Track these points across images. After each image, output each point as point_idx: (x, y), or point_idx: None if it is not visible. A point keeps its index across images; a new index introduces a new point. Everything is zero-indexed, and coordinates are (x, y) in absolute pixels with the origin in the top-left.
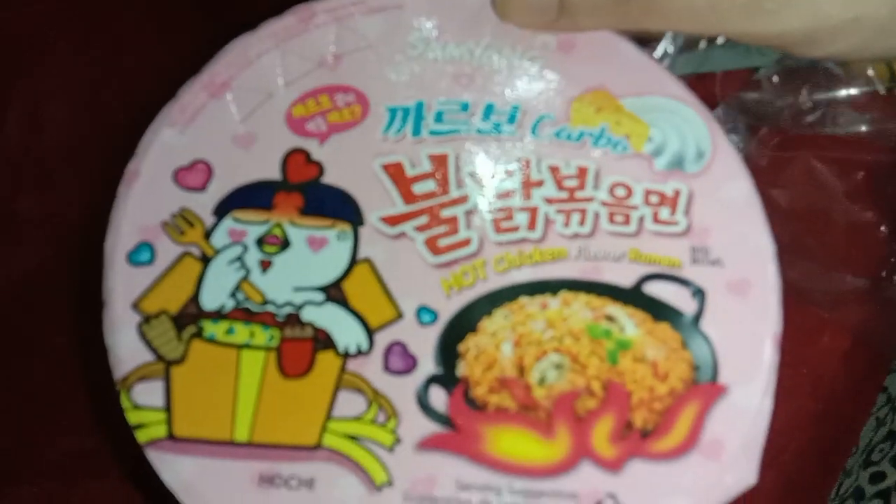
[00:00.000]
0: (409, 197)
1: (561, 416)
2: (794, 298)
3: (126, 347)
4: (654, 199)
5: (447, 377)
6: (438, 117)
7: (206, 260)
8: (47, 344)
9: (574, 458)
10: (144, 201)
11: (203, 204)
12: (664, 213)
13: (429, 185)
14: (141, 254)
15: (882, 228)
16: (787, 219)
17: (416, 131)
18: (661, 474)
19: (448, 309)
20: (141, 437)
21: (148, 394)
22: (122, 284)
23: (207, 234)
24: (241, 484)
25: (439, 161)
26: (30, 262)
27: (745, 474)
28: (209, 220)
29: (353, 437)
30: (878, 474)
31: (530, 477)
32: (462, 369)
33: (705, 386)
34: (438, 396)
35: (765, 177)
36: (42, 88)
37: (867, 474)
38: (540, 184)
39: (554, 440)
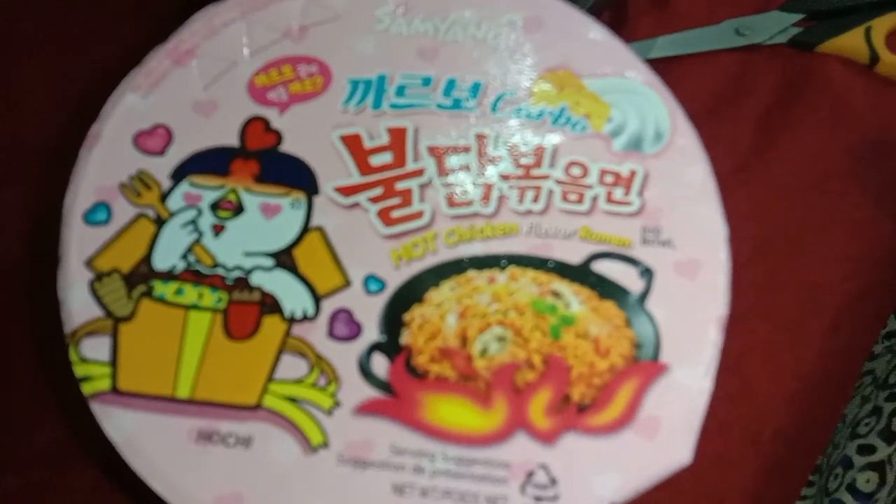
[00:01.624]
0: (365, 168)
1: (499, 388)
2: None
3: (77, 303)
4: (609, 178)
5: (390, 345)
6: (400, 91)
7: (160, 222)
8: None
9: (509, 429)
10: (104, 163)
11: (161, 167)
12: (618, 192)
13: (385, 158)
14: (97, 213)
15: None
16: None
17: (377, 104)
18: (595, 449)
19: (396, 279)
20: (86, 389)
21: (95, 348)
22: (78, 242)
23: (163, 197)
24: (180, 439)
25: (398, 134)
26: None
27: (681, 453)
28: (166, 183)
29: (292, 399)
30: (866, 447)
31: (465, 445)
32: (406, 338)
33: (646, 364)
34: (380, 363)
35: None
36: (22, 81)
37: (854, 445)
38: (496, 160)
39: (491, 410)
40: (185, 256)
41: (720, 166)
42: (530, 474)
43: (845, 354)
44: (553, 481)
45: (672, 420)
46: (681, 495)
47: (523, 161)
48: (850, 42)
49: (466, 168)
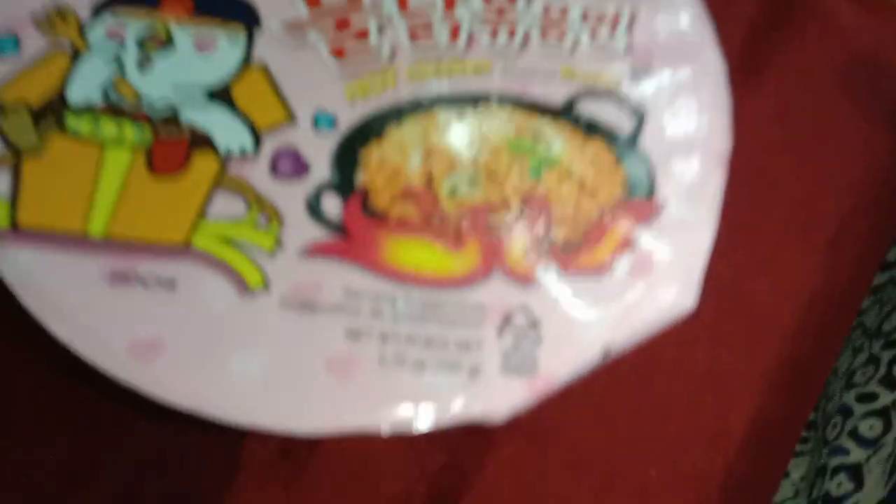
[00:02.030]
0: (313, 1)
1: (471, 229)
2: None
3: None
4: (593, 17)
5: (343, 185)
6: None
7: (77, 56)
8: None
9: (483, 271)
10: None
11: None
12: (604, 31)
13: None
14: (5, 45)
15: None
16: None
17: None
18: (583, 289)
19: (350, 117)
20: None
21: None
22: None
23: (82, 30)
24: (90, 281)
25: None
26: None
27: (682, 298)
28: (86, 14)
29: (227, 240)
30: (866, 395)
31: (431, 287)
32: (362, 178)
33: (639, 202)
34: (332, 204)
35: None
36: None
37: (852, 394)
38: None
39: (461, 252)
40: (104, 91)
41: None
42: (508, 317)
43: (842, 274)
44: (535, 323)
45: (671, 261)
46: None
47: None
48: None
49: (432, 3)
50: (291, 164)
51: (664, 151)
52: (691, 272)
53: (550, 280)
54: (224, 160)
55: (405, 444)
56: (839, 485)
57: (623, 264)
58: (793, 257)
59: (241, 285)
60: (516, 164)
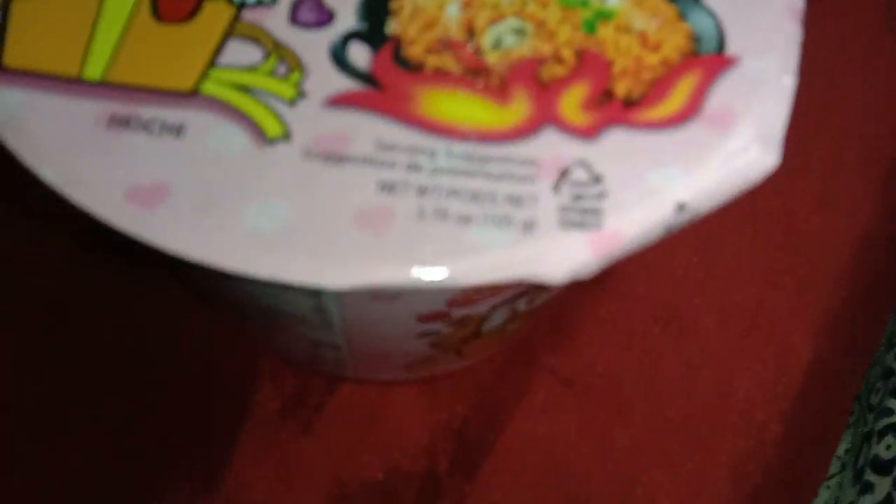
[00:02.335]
0: None
1: (519, 82)
2: None
3: None
4: None
5: (372, 34)
6: None
7: None
8: None
9: (533, 124)
10: None
11: None
12: None
13: None
14: None
15: None
16: None
17: None
18: (650, 143)
19: None
20: None
21: None
22: None
23: None
24: (85, 123)
25: None
26: None
27: (763, 154)
28: None
29: (241, 87)
30: None
31: (475, 141)
32: (393, 27)
33: (709, 57)
34: (360, 53)
35: None
36: None
37: (892, 355)
38: None
39: (508, 105)
40: None
41: None
42: (565, 172)
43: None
44: (597, 178)
45: (750, 116)
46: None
47: None
48: None
49: None
50: (314, 12)
51: (733, 4)
52: (772, 128)
53: (613, 135)
54: (238, 6)
55: (430, 390)
56: (888, 447)
57: (697, 118)
58: (849, 194)
59: (259, 134)
60: (568, 18)
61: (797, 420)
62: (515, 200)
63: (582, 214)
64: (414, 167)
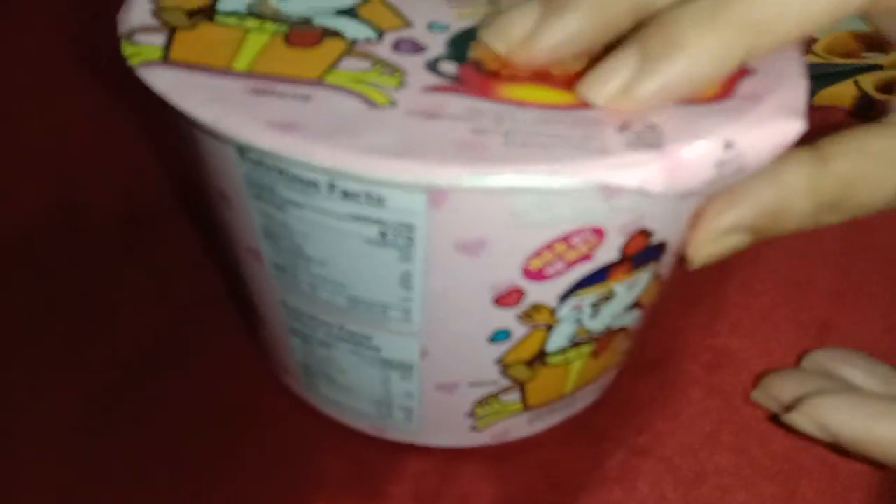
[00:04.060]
0: None
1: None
2: None
3: (137, 16)
4: None
5: (458, 57)
6: None
7: None
8: None
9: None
10: None
11: None
12: None
13: None
14: None
15: None
16: None
17: None
18: (696, 110)
19: (461, 25)
20: (133, 60)
21: (149, 39)
22: None
23: None
24: (231, 91)
25: None
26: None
27: (790, 118)
28: None
29: (357, 80)
30: None
31: (549, 109)
32: (474, 54)
33: None
34: (448, 66)
35: None
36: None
37: None
38: None
39: (572, 92)
40: (249, 6)
41: None
42: (626, 122)
43: None
44: (653, 126)
45: (774, 96)
46: None
47: None
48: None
49: None
50: (411, 46)
51: None
52: (795, 101)
53: (661, 108)
54: (351, 42)
55: (498, 460)
56: None
57: (731, 98)
58: None
59: (369, 103)
60: None
61: None
62: (587, 137)
63: (646, 145)
64: (499, 120)
